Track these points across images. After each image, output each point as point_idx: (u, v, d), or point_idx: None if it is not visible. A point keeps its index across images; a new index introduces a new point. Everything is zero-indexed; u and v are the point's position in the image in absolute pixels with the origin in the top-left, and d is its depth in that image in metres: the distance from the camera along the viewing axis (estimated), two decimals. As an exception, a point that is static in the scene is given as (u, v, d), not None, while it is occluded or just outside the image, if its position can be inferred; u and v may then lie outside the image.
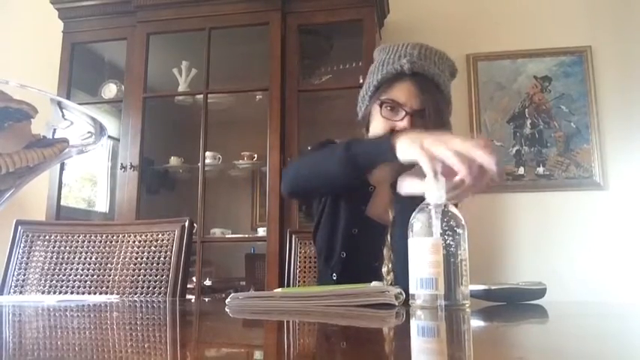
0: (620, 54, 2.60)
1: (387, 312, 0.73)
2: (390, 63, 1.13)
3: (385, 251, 1.16)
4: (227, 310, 0.79)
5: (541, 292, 0.90)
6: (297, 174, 1.17)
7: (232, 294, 0.84)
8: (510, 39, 2.68)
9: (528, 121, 2.62)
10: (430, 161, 0.80)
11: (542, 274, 2.39)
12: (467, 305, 0.73)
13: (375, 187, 1.20)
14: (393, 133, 0.91)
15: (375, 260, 1.15)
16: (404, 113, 1.10)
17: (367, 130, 1.20)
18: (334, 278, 1.18)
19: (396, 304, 0.76)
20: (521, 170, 2.59)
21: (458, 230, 0.73)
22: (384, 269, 1.14)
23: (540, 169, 2.58)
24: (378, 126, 1.14)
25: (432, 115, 1.08)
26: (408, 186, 0.96)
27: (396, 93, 1.11)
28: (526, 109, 2.63)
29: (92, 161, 2.84)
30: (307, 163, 1.16)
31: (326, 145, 1.24)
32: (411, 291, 0.74)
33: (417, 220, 0.75)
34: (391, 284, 1.12)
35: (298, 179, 1.17)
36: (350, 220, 1.18)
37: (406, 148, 0.86)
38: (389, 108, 1.12)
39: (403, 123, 1.09)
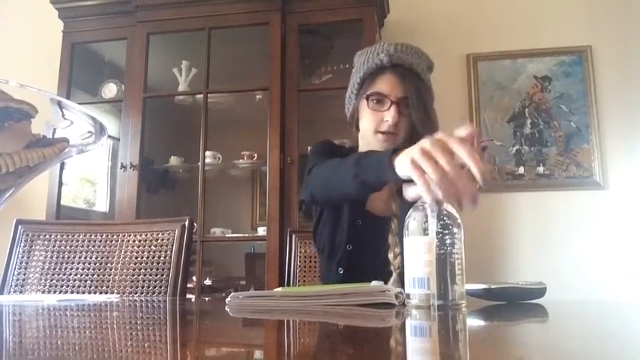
0: (620, 54, 2.60)
1: (386, 311, 0.73)
2: (370, 60, 1.19)
3: (390, 238, 1.17)
4: (227, 309, 0.79)
5: (541, 292, 0.90)
6: (317, 187, 1.18)
7: (232, 293, 0.84)
8: (510, 39, 2.68)
9: (528, 121, 2.62)
10: (422, 177, 0.77)
11: (543, 273, 2.39)
12: (463, 305, 0.73)
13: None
14: (393, 151, 0.89)
15: (380, 250, 1.17)
16: (389, 103, 1.15)
17: (357, 127, 1.25)
18: (340, 272, 1.20)
19: (396, 303, 0.76)
20: (522, 170, 2.59)
21: (453, 229, 0.73)
22: (391, 255, 1.15)
23: (540, 169, 2.58)
24: (367, 119, 1.19)
25: (415, 102, 1.14)
26: (413, 190, 0.95)
27: (380, 85, 1.17)
28: (526, 109, 2.63)
29: (92, 161, 2.84)
30: (324, 179, 1.16)
31: (326, 146, 1.29)
32: (407, 290, 0.75)
33: (413, 219, 0.75)
34: (398, 269, 1.12)
35: (318, 192, 1.18)
36: (353, 213, 1.21)
37: (402, 165, 0.84)
38: (375, 100, 1.17)
39: (390, 112, 1.15)
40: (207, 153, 2.53)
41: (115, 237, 1.43)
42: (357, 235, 1.20)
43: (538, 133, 2.60)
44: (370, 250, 1.19)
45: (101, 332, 0.60)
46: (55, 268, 1.41)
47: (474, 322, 0.68)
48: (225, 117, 2.69)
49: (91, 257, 1.41)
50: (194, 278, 2.34)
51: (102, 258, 1.40)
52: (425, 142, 0.79)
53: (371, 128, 1.18)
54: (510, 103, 2.65)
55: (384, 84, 1.16)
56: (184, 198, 2.78)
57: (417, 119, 1.14)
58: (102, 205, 2.82)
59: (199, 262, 2.37)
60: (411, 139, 1.03)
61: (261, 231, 2.50)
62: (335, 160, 1.13)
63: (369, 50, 1.23)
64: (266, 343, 0.53)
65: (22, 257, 1.42)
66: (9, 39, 3.06)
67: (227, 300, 0.83)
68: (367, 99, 1.18)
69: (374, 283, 0.88)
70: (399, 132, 1.16)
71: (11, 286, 1.39)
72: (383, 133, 1.16)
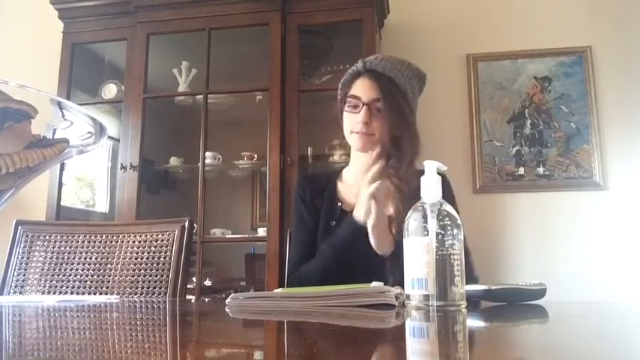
0: (620, 54, 2.60)
1: (386, 312, 0.73)
2: (350, 68, 1.29)
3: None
4: (227, 310, 0.79)
5: (541, 293, 0.90)
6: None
7: (232, 294, 0.84)
8: (510, 39, 2.68)
9: (528, 122, 2.62)
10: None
11: (542, 274, 2.39)
12: (463, 306, 0.73)
13: (342, 203, 1.32)
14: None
15: (356, 252, 1.19)
16: (361, 105, 1.23)
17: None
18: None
19: (396, 304, 0.76)
20: (522, 170, 2.59)
21: (453, 230, 0.73)
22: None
23: (540, 170, 2.58)
24: (345, 121, 1.29)
25: (386, 103, 1.21)
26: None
27: (354, 89, 1.26)
28: (526, 110, 2.63)
29: (92, 161, 2.84)
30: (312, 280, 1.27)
31: (300, 207, 1.37)
32: (406, 291, 0.74)
33: (413, 220, 0.75)
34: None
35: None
36: (328, 215, 1.30)
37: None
38: (350, 104, 1.26)
39: (361, 113, 1.22)
40: (207, 154, 2.53)
41: (114, 238, 1.43)
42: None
43: (538, 133, 2.60)
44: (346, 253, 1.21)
45: (101, 333, 0.60)
46: (54, 269, 1.41)
47: (474, 323, 0.68)
48: (225, 117, 2.69)
49: (90, 258, 1.41)
50: (194, 279, 2.34)
51: (102, 259, 1.40)
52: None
53: (347, 129, 1.27)
54: (510, 103, 2.65)
55: (358, 88, 1.25)
56: (184, 199, 2.77)
57: (388, 120, 1.21)
58: (102, 206, 2.82)
59: (199, 262, 2.36)
60: (392, 141, 1.20)
61: (261, 232, 2.50)
62: (312, 265, 1.26)
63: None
64: (266, 344, 0.53)
65: (22, 258, 1.42)
66: (9, 39, 3.06)
67: (227, 301, 0.83)
68: (344, 103, 1.27)
69: (374, 283, 0.88)
70: (373, 132, 1.23)
71: (11, 286, 1.39)
72: (357, 132, 1.24)
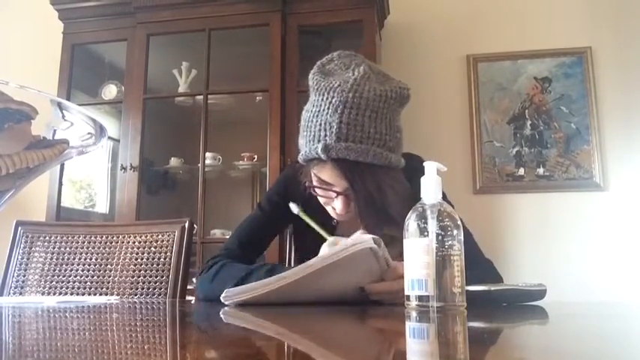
0: (620, 55, 2.60)
1: (386, 313, 0.73)
2: (308, 141, 1.05)
3: None
4: (224, 313, 0.79)
5: (541, 293, 0.90)
6: (206, 294, 1.13)
7: (226, 289, 0.85)
8: (510, 40, 2.68)
9: (528, 122, 2.62)
10: None
11: (542, 274, 2.39)
12: (463, 307, 0.73)
13: (337, 222, 1.16)
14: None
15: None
16: (335, 194, 1.05)
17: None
18: None
19: (375, 245, 0.79)
20: (522, 171, 2.59)
21: (453, 231, 0.73)
22: None
23: (540, 170, 2.58)
24: (317, 192, 1.08)
25: (362, 191, 1.01)
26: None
27: (323, 174, 1.05)
28: (526, 110, 2.63)
29: (92, 162, 2.84)
30: (214, 288, 1.08)
31: (271, 204, 1.23)
32: (406, 292, 0.74)
33: (413, 221, 0.75)
34: None
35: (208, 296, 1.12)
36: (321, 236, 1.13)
37: None
38: (321, 189, 1.07)
39: (337, 205, 1.05)
40: (208, 154, 2.53)
41: (114, 238, 1.43)
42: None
43: (538, 134, 2.61)
44: None
45: (101, 334, 0.60)
46: (54, 270, 1.41)
47: (474, 324, 0.68)
48: (225, 118, 2.69)
49: (90, 259, 1.41)
50: (194, 280, 2.34)
51: (102, 259, 1.40)
52: None
53: (322, 201, 1.10)
54: (510, 104, 2.65)
55: (326, 175, 1.04)
56: (184, 199, 2.77)
57: (365, 215, 1.03)
58: (102, 207, 2.82)
59: (199, 263, 2.36)
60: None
61: (261, 232, 2.49)
62: (222, 274, 1.09)
63: (315, 103, 1.09)
64: (265, 345, 0.53)
65: (22, 259, 1.42)
66: (9, 40, 3.06)
67: (222, 297, 0.84)
68: (312, 186, 1.07)
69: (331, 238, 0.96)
70: (352, 211, 1.06)
71: (11, 287, 1.39)
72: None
